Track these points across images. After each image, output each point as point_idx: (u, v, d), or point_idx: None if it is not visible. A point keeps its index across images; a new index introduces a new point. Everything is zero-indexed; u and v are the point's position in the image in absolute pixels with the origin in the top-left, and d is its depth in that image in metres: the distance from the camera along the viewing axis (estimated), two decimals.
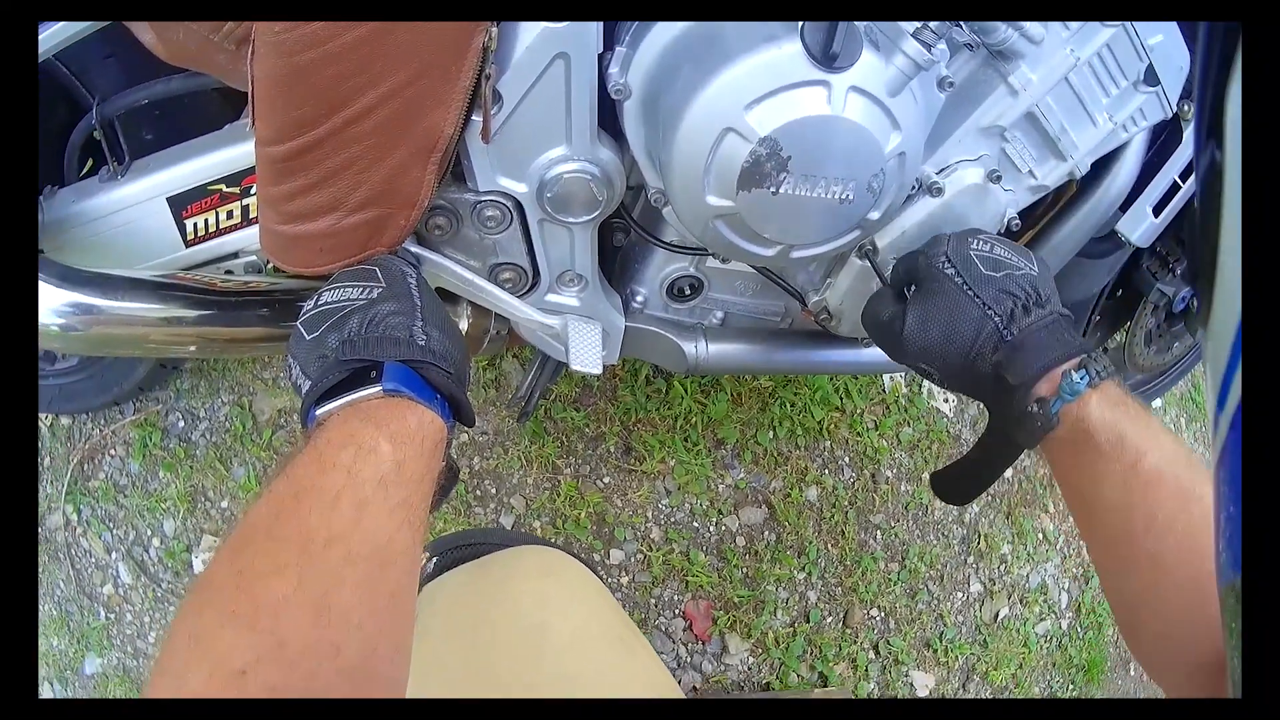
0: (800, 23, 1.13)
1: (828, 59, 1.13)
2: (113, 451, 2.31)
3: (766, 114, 1.15)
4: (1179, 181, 1.56)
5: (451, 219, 1.40)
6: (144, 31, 1.26)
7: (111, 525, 2.29)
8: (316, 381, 1.04)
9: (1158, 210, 1.58)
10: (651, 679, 1.23)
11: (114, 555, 2.28)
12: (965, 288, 1.19)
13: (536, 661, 1.17)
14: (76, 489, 2.30)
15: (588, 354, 1.55)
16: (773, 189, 1.22)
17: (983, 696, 2.59)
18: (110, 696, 2.23)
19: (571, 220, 1.41)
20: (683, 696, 1.28)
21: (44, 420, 2.31)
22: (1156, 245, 1.98)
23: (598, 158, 1.33)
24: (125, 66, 1.39)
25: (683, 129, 1.18)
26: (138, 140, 1.53)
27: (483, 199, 1.38)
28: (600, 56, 1.24)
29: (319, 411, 1.01)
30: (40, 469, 2.30)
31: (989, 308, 1.17)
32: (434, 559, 1.36)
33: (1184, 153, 1.53)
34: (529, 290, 1.55)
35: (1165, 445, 1.06)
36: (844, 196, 1.25)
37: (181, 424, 2.34)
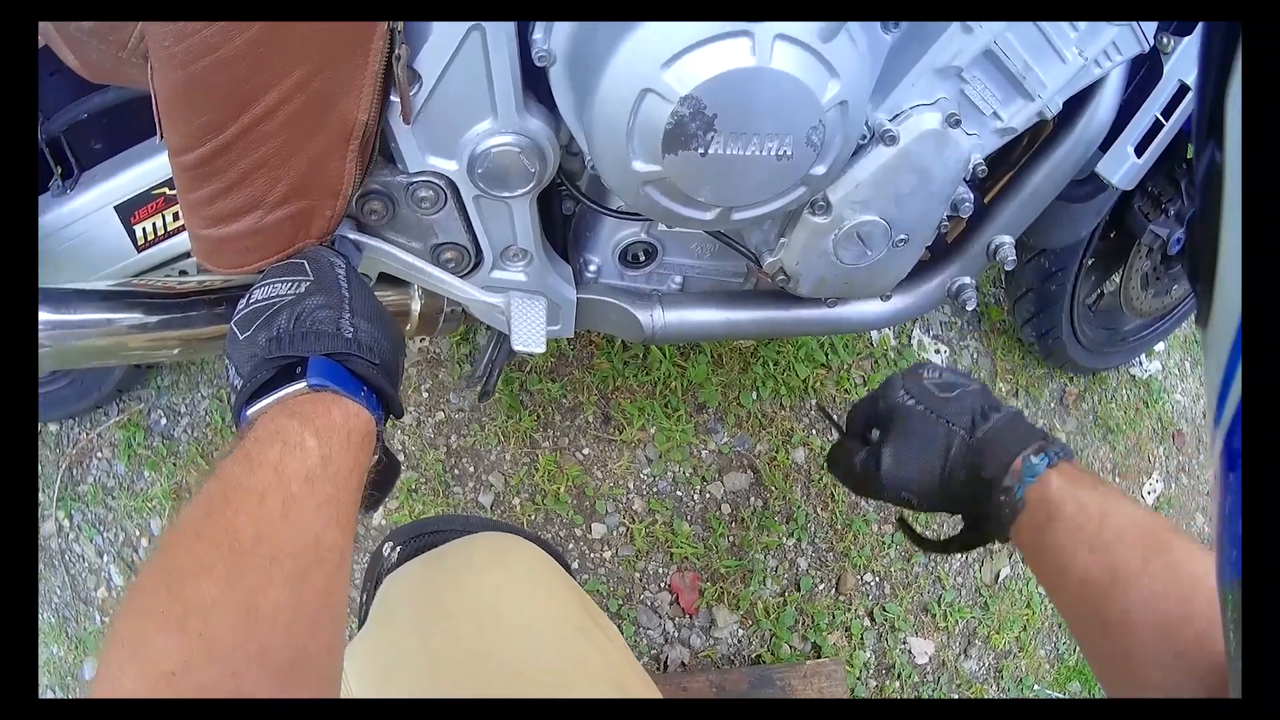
0: None
1: None
2: (100, 454, 2.31)
3: (686, 71, 1.12)
4: (1161, 119, 1.51)
5: (387, 203, 1.38)
6: (67, 53, 1.25)
7: (102, 528, 2.29)
8: (246, 381, 1.03)
9: (1140, 150, 1.53)
10: (609, 667, 1.21)
11: (105, 558, 2.29)
12: (928, 412, 1.27)
13: (489, 653, 1.15)
14: (67, 495, 2.30)
15: (531, 333, 1.53)
16: (701, 150, 1.19)
17: (986, 661, 2.56)
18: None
19: (507, 194, 1.38)
20: (645, 683, 1.26)
21: None
22: (1148, 185, 1.95)
23: (527, 129, 1.30)
24: (71, 82, 1.37)
25: (600, 93, 1.15)
26: (88, 151, 1.52)
27: (414, 180, 1.35)
28: (525, 23, 1.20)
29: (249, 411, 1.01)
30: None
31: (952, 424, 1.25)
32: (397, 548, 1.35)
33: (1165, 89, 1.48)
34: (473, 268, 1.52)
35: (1125, 508, 1.11)
36: (781, 152, 1.22)
37: (164, 421, 2.33)
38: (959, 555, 2.57)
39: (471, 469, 2.34)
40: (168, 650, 0.76)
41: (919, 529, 1.44)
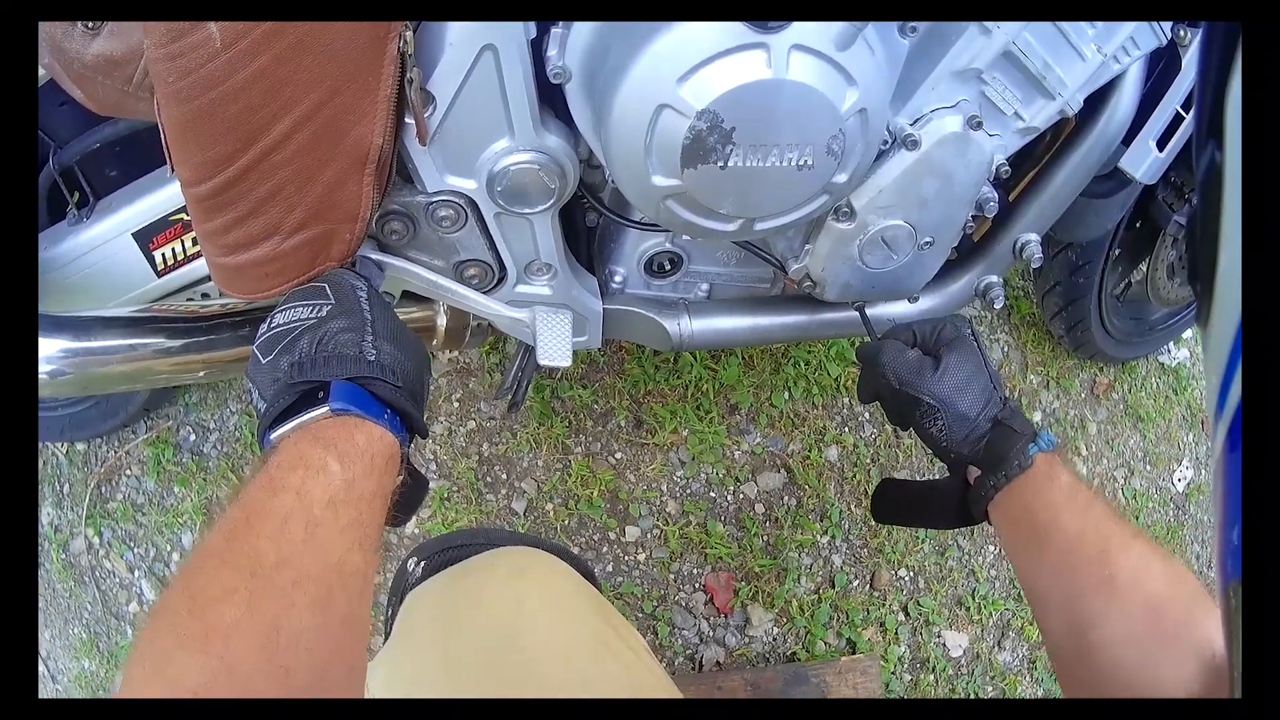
0: None
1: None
2: (129, 471, 2.33)
3: (702, 85, 1.11)
4: (1182, 112, 1.50)
5: (407, 223, 1.38)
6: (73, 87, 1.26)
7: (132, 544, 2.31)
8: (269, 405, 1.04)
9: (1162, 143, 1.52)
10: (632, 679, 1.22)
11: (136, 574, 2.31)
12: (985, 362, 1.36)
13: (507, 668, 1.16)
14: (96, 512, 2.32)
15: (556, 347, 1.53)
16: (720, 163, 1.18)
17: (1020, 652, 2.57)
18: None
19: (528, 211, 1.37)
20: (667, 694, 1.26)
21: (60, 447, 2.33)
22: (1171, 175, 1.94)
23: (545, 145, 1.29)
24: (82, 112, 1.38)
25: (616, 109, 1.14)
26: (103, 179, 1.54)
27: (434, 200, 1.35)
28: (539, 39, 1.20)
29: (272, 436, 1.01)
30: (60, 495, 2.32)
31: (994, 382, 1.35)
32: (421, 563, 1.36)
33: (1184, 81, 1.47)
34: (497, 284, 1.52)
35: (1105, 501, 1.21)
36: (802, 162, 1.21)
37: (193, 437, 2.35)
38: (994, 548, 2.57)
39: (504, 476, 2.35)
40: (189, 669, 0.77)
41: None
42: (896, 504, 1.53)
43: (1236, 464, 0.51)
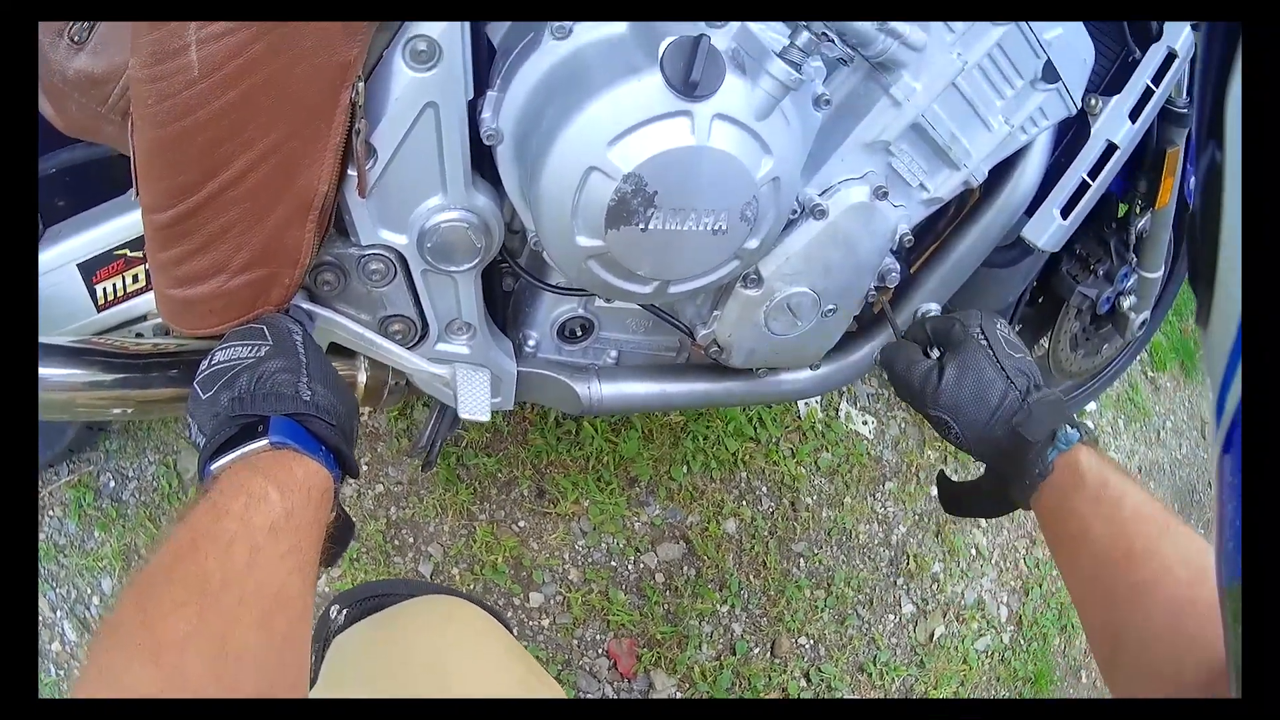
0: (660, 53, 1.13)
1: (688, 88, 1.13)
2: (51, 512, 2.31)
3: (629, 150, 1.16)
4: (1088, 180, 1.54)
5: (339, 274, 1.41)
6: (45, 105, 1.30)
7: (54, 584, 2.28)
8: (210, 438, 1.07)
9: (1066, 211, 1.56)
10: None
11: (59, 614, 2.27)
12: (995, 360, 1.32)
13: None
14: None
15: (476, 402, 1.56)
16: (642, 225, 1.22)
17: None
18: None
19: (453, 269, 1.41)
20: None
21: None
22: (1077, 247, 1.98)
23: (474, 205, 1.34)
24: (40, 135, 1.41)
25: (548, 171, 1.18)
26: (51, 208, 1.56)
27: (366, 253, 1.38)
28: (473, 102, 1.25)
29: (213, 466, 1.04)
30: None
31: (1012, 380, 1.31)
32: (344, 610, 1.39)
33: (1092, 149, 1.52)
34: (419, 341, 1.55)
35: (1142, 492, 1.18)
36: (717, 227, 1.26)
37: (112, 484, 2.34)
38: (894, 617, 2.62)
39: (411, 540, 2.36)
40: (143, 680, 0.79)
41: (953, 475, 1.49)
42: (957, 499, 1.50)
43: (1236, 465, 0.51)
